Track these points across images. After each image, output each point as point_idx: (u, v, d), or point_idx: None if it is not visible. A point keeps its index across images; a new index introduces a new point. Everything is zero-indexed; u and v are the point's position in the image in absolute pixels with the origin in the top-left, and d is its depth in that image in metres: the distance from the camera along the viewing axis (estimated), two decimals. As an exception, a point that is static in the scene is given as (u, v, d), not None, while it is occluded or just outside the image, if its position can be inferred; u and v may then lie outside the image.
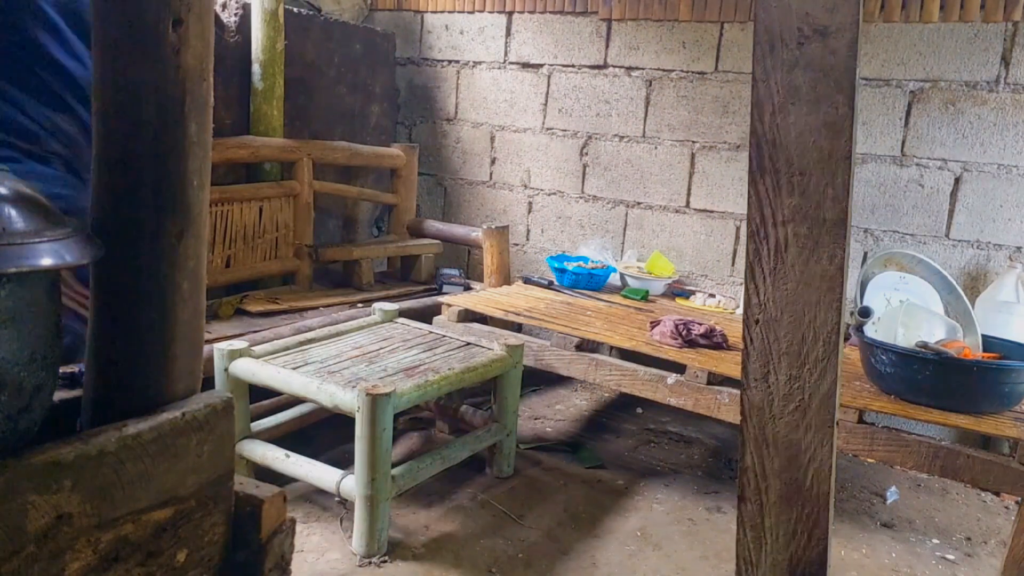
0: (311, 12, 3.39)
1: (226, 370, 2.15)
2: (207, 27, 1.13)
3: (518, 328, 2.80)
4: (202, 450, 1.16)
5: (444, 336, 2.53)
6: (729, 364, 2.31)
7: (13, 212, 0.93)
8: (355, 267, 3.22)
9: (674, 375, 2.34)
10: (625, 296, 3.13)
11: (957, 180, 2.79)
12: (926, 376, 2.01)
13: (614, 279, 3.26)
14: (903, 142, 2.86)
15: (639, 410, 3.18)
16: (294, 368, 2.14)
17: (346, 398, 1.97)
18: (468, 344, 2.47)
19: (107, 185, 1.12)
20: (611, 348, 2.79)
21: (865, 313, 2.17)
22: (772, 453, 1.56)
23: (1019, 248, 2.73)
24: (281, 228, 3.07)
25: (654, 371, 2.38)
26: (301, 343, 2.35)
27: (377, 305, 2.70)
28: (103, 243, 1.07)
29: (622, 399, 3.27)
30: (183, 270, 1.15)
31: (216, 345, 2.17)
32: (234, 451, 1.28)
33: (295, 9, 3.24)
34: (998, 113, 2.70)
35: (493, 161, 3.74)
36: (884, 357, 2.07)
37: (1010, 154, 2.70)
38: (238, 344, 2.19)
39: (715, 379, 2.30)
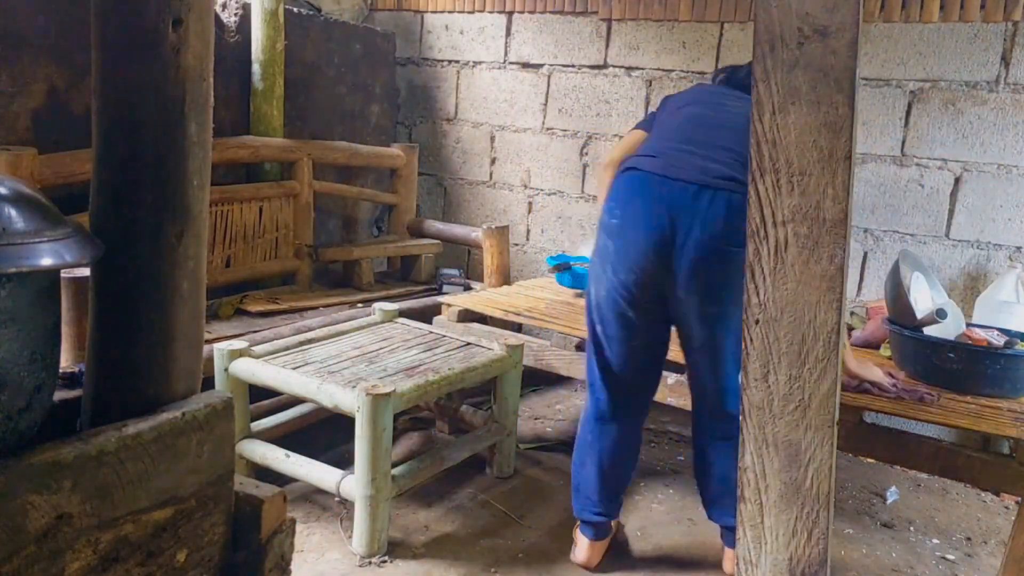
0: (311, 12, 3.39)
1: (226, 370, 2.15)
2: (207, 27, 1.13)
3: (518, 328, 2.80)
4: (202, 450, 1.16)
5: (444, 336, 2.53)
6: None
7: (13, 212, 0.93)
8: (355, 267, 3.22)
9: (674, 375, 2.34)
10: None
11: (957, 180, 2.79)
12: (953, 360, 2.04)
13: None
14: (903, 142, 2.86)
15: (639, 410, 3.18)
16: (294, 368, 2.14)
17: (346, 398, 1.97)
18: (468, 344, 2.47)
19: (107, 185, 1.12)
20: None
21: (942, 315, 2.15)
22: (772, 453, 1.56)
23: (1019, 248, 2.73)
24: (281, 228, 3.07)
25: (654, 371, 2.37)
26: (301, 343, 2.35)
27: (377, 305, 2.70)
28: (103, 243, 1.07)
29: (622, 399, 3.26)
30: (183, 270, 1.15)
31: (216, 345, 2.17)
32: (234, 451, 1.28)
33: (295, 9, 3.24)
34: (998, 113, 2.70)
35: (493, 161, 3.74)
36: (952, 354, 2.08)
37: (1010, 154, 2.70)
38: (238, 344, 2.19)
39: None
